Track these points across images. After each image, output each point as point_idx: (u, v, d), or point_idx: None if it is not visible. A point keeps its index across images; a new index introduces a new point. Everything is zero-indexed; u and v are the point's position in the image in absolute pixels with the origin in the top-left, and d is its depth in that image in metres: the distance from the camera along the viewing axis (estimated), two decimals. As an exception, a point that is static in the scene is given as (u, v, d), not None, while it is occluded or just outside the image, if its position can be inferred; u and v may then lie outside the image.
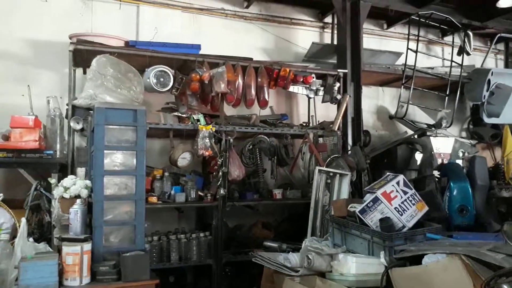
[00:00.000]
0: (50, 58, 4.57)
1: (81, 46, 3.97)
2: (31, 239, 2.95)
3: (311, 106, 5.25)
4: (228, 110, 4.74)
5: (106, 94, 3.69)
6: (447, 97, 5.48)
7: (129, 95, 3.82)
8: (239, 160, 4.41)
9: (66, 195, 3.01)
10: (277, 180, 4.87)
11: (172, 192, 4.15)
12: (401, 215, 3.10)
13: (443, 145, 5.43)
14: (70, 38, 4.21)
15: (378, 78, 5.77)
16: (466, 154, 5.43)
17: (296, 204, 4.77)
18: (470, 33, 6.04)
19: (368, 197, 3.19)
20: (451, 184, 4.48)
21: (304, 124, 5.15)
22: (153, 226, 4.25)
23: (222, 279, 4.24)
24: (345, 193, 4.22)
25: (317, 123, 5.10)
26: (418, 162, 5.01)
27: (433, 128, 5.57)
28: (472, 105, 6.37)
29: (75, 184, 3.06)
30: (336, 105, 5.00)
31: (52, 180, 3.34)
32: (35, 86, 4.25)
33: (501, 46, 7.01)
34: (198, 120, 4.24)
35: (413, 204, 3.18)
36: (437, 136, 5.53)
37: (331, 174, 4.24)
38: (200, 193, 4.25)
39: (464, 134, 6.55)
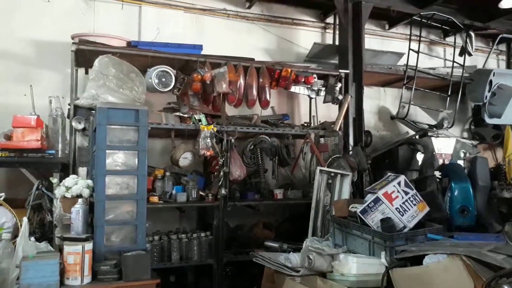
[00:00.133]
0: (52, 58, 4.58)
1: (83, 46, 3.98)
2: (32, 239, 2.96)
3: (312, 107, 5.26)
4: (230, 110, 4.75)
5: (108, 94, 3.69)
6: (448, 98, 5.47)
7: (131, 95, 3.83)
8: (240, 160, 4.42)
9: (68, 195, 3.02)
10: (278, 180, 4.87)
11: (174, 192, 4.16)
12: (402, 215, 3.10)
13: (445, 145, 5.42)
14: (72, 38, 4.22)
15: (379, 79, 5.76)
16: (467, 154, 5.42)
17: (297, 204, 4.77)
18: (472, 34, 6.04)
19: (369, 198, 3.20)
20: (452, 184, 4.48)
21: (306, 125, 5.15)
22: (154, 226, 4.26)
23: (223, 279, 4.24)
24: (346, 193, 4.22)
25: (319, 124, 5.10)
26: (419, 163, 5.00)
27: (434, 129, 5.57)
28: (473, 106, 6.37)
29: (76, 183, 3.07)
30: (337, 105, 5.00)
31: (54, 180, 3.35)
32: (37, 86, 4.27)
33: (503, 47, 7.01)
34: (200, 120, 4.24)
35: (414, 205, 3.18)
36: (438, 136, 5.52)
37: (332, 174, 4.24)
38: (201, 193, 4.25)
39: (465, 134, 6.54)
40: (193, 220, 4.93)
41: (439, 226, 3.22)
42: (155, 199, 4.02)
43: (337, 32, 5.67)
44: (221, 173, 4.19)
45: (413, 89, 5.21)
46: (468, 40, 6.00)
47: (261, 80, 4.60)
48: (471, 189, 4.48)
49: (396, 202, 3.13)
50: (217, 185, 4.23)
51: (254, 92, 4.57)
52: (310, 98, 5.16)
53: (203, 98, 4.48)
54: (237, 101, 4.50)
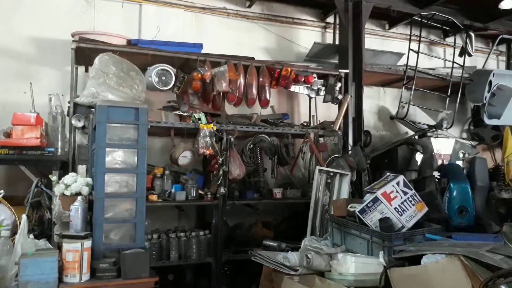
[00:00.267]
0: (52, 56, 4.58)
1: (84, 44, 3.98)
2: (31, 236, 2.96)
3: (312, 106, 5.26)
4: (229, 109, 4.75)
5: (108, 92, 3.69)
6: (448, 98, 5.48)
7: (131, 93, 3.83)
8: (239, 159, 4.42)
9: (67, 193, 3.02)
10: (277, 179, 4.88)
11: (173, 190, 4.16)
12: (401, 215, 3.11)
13: (444, 146, 5.43)
14: (73, 36, 4.22)
15: (379, 79, 5.77)
16: (466, 155, 5.43)
17: (296, 203, 4.78)
18: (472, 34, 6.04)
19: (368, 197, 3.20)
20: (451, 185, 4.49)
21: (305, 124, 5.16)
22: (153, 224, 4.28)
23: (222, 277, 4.24)
24: (345, 193, 4.23)
25: (318, 123, 5.11)
26: (419, 163, 5.02)
27: (433, 129, 5.57)
28: (473, 106, 6.37)
29: (76, 181, 3.06)
30: (337, 105, 5.01)
31: (53, 177, 3.35)
32: (37, 83, 4.27)
33: (502, 48, 7.02)
34: (199, 119, 4.25)
35: (413, 205, 3.19)
36: (437, 137, 5.53)
37: (331, 174, 4.25)
38: (200, 191, 4.26)
39: (464, 135, 6.55)
40: (192, 219, 4.94)
41: (437, 226, 3.23)
42: (154, 197, 4.02)
43: (337, 31, 5.68)
44: (221, 172, 4.20)
45: (413, 89, 5.22)
46: (468, 41, 6.01)
47: (261, 79, 4.61)
48: (469, 190, 4.49)
49: (395, 202, 3.13)
50: (216, 184, 4.23)
51: (254, 91, 4.57)
52: (310, 98, 5.17)
53: (203, 96, 4.48)
54: (237, 100, 4.50)
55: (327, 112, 5.28)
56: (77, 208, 2.92)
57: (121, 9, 4.93)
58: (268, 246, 3.89)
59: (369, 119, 5.94)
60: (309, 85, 4.90)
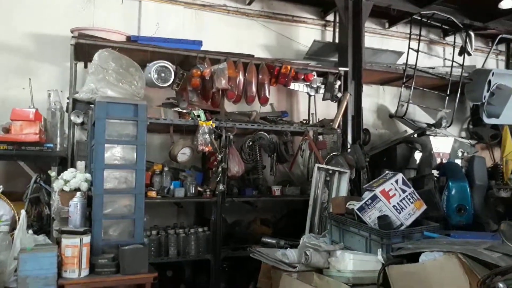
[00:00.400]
0: (51, 52, 4.57)
1: (83, 40, 3.98)
2: (30, 231, 2.96)
3: (311, 104, 5.26)
4: (229, 106, 4.75)
5: (108, 88, 3.69)
6: (447, 97, 5.49)
7: (130, 89, 3.82)
8: (238, 156, 4.42)
9: (66, 188, 3.03)
10: (276, 176, 4.88)
11: (172, 187, 4.16)
12: (399, 213, 3.11)
13: (443, 144, 5.44)
14: (72, 32, 4.21)
15: (379, 77, 5.77)
16: (465, 154, 5.44)
17: (295, 201, 4.79)
18: (472, 34, 6.05)
19: (367, 195, 3.21)
20: (450, 183, 4.50)
21: (304, 122, 5.16)
22: (152, 221, 4.27)
23: (220, 274, 4.25)
24: (344, 190, 4.23)
25: (317, 121, 5.11)
26: (417, 161, 5.02)
27: (433, 128, 5.58)
28: (472, 105, 6.38)
29: (75, 177, 3.07)
30: (336, 103, 5.01)
31: (52, 173, 3.36)
32: (36, 79, 4.27)
33: (502, 47, 7.02)
34: (199, 116, 4.25)
35: (411, 203, 3.19)
36: (436, 135, 5.54)
37: (330, 171, 4.25)
38: (199, 188, 4.26)
39: (463, 134, 6.56)
40: (191, 216, 4.94)
41: (436, 224, 3.24)
42: (153, 194, 4.02)
43: (337, 30, 5.67)
44: (219, 169, 4.20)
45: (412, 88, 5.22)
46: (467, 40, 6.01)
47: (260, 76, 4.60)
48: (468, 188, 4.51)
49: (394, 200, 3.14)
50: (215, 181, 4.24)
51: (253, 88, 4.57)
52: (309, 96, 5.16)
53: (202, 93, 4.48)
54: (236, 97, 4.50)
55: (327, 110, 5.28)
56: (76, 204, 2.93)
57: (120, 5, 4.92)
58: (266, 243, 3.90)
59: (368, 117, 5.94)
60: (308, 83, 4.90)
